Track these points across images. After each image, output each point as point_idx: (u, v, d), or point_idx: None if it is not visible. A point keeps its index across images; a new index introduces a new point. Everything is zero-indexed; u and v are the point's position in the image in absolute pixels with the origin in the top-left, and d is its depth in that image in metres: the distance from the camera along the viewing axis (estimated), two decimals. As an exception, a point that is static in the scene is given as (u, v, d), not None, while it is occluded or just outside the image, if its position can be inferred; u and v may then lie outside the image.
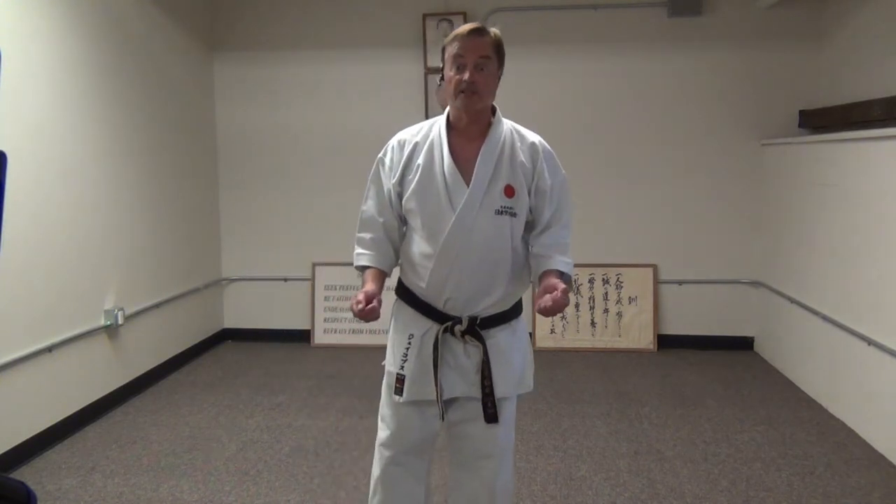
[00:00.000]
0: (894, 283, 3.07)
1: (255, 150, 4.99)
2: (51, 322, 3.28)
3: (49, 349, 3.24)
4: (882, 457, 3.11)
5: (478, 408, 1.91)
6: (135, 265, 3.99)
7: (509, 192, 1.86)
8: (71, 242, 3.43)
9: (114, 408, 3.74)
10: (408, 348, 1.93)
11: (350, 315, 4.99)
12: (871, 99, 3.65)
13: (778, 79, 4.55)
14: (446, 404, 1.94)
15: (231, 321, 5.15)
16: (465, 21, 4.63)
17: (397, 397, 1.94)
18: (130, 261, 3.95)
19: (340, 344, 4.94)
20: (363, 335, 4.93)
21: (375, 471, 2.02)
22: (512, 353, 1.96)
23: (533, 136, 1.96)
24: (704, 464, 3.05)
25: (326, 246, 4.99)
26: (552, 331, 4.84)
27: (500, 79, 1.88)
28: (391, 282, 2.03)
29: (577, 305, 4.84)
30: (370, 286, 1.87)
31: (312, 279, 5.03)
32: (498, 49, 1.85)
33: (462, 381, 1.92)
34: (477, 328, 1.89)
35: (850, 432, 3.37)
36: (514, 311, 2.00)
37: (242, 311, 5.13)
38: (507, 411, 1.97)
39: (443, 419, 1.94)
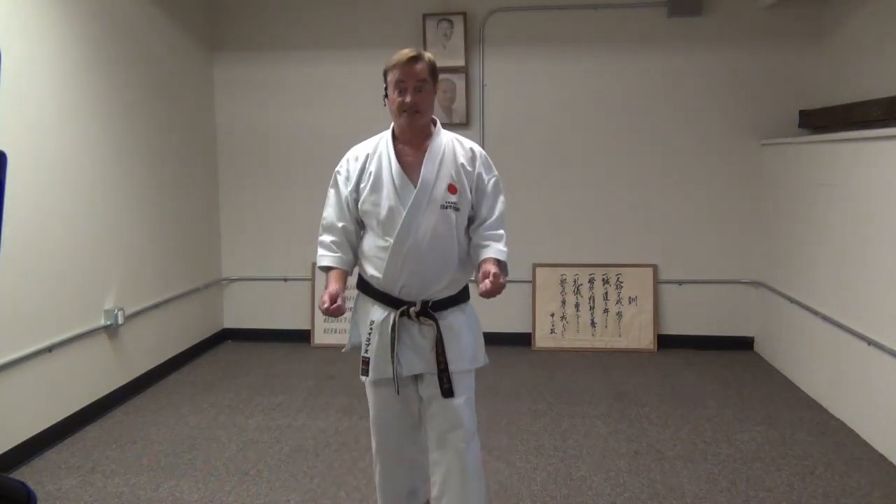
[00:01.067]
0: (894, 283, 3.07)
1: (255, 150, 4.99)
2: (51, 322, 3.28)
3: (49, 349, 3.24)
4: (882, 457, 3.11)
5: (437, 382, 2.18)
6: (135, 265, 3.99)
7: (452, 189, 2.15)
8: (71, 242, 3.43)
9: (114, 408, 3.74)
10: (370, 333, 2.21)
11: (350, 315, 5.01)
12: (871, 99, 3.65)
13: (778, 79, 4.55)
14: (413, 381, 2.24)
15: (231, 321, 5.15)
16: (465, 21, 4.64)
17: (363, 377, 2.26)
18: (130, 261, 3.95)
19: (340, 344, 4.87)
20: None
21: (373, 444, 2.36)
22: (462, 332, 2.22)
23: (471, 143, 2.26)
24: (704, 464, 3.05)
25: (326, 246, 4.99)
26: (552, 331, 4.84)
27: (434, 94, 2.20)
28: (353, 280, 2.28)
29: (576, 305, 4.84)
30: (333, 286, 2.16)
31: (312, 279, 5.03)
32: (432, 72, 2.15)
33: (419, 359, 2.19)
34: (430, 310, 2.16)
35: (850, 432, 3.37)
36: (463, 296, 2.27)
37: (242, 311, 5.13)
38: (466, 385, 2.23)
39: (397, 392, 2.22)
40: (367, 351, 2.23)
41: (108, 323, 3.68)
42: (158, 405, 3.81)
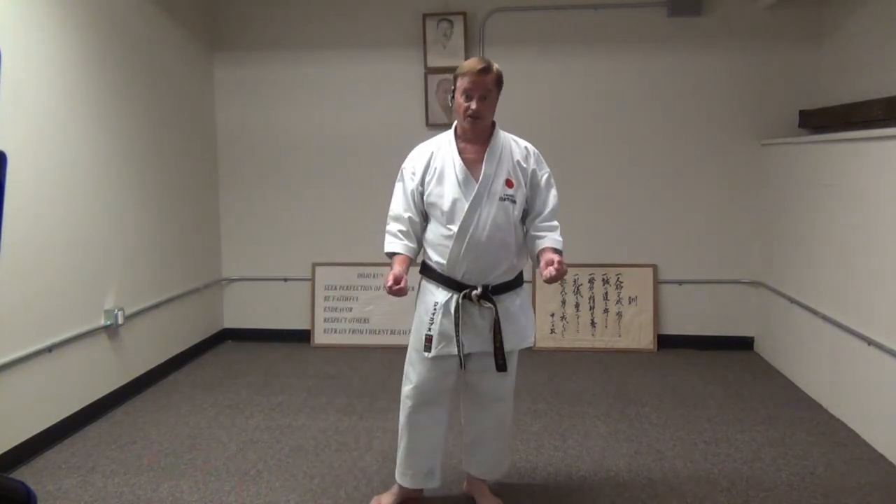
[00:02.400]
0: (894, 283, 3.07)
1: (255, 150, 4.99)
2: (51, 322, 3.28)
3: (49, 349, 3.24)
4: (882, 457, 3.11)
5: (491, 361, 2.42)
6: (135, 265, 3.99)
7: (510, 184, 2.39)
8: (71, 242, 3.43)
9: (114, 408, 3.74)
10: (433, 314, 2.42)
11: (350, 315, 5.05)
12: (871, 99, 3.65)
13: (778, 79, 4.55)
14: (466, 358, 2.44)
15: (231, 321, 5.15)
16: (465, 21, 4.64)
17: (426, 354, 2.43)
18: (130, 261, 3.95)
19: (340, 344, 4.94)
20: (363, 335, 4.93)
21: (402, 418, 2.57)
22: (518, 315, 2.48)
23: (525, 142, 2.51)
24: (704, 464, 3.05)
25: (326, 246, 4.99)
26: (552, 331, 4.84)
27: (497, 101, 2.40)
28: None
29: (576, 305, 4.84)
30: (398, 268, 2.35)
31: (312, 279, 5.03)
32: (498, 82, 2.36)
33: (478, 338, 2.42)
34: (489, 294, 2.38)
35: (850, 432, 3.37)
36: (518, 281, 2.51)
37: (242, 311, 5.13)
38: (513, 363, 2.54)
39: (462, 367, 2.44)
40: (430, 329, 2.42)
41: (108, 323, 3.68)
42: (158, 405, 3.81)
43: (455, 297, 2.39)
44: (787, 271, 4.27)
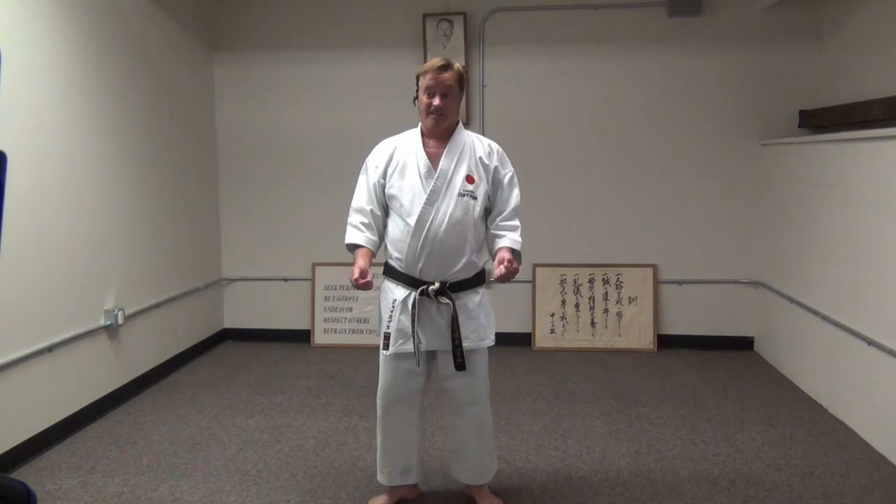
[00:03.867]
0: (894, 283, 3.07)
1: (255, 150, 4.99)
2: (51, 322, 3.28)
3: (49, 349, 3.24)
4: (882, 457, 3.11)
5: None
6: (135, 265, 3.99)
7: (470, 179, 2.40)
8: (71, 242, 3.43)
9: (114, 408, 3.74)
10: (392, 311, 2.44)
11: (350, 315, 5.04)
12: (871, 99, 3.65)
13: (778, 79, 4.55)
14: (428, 356, 2.50)
15: (231, 321, 5.15)
16: (465, 21, 4.64)
17: (384, 351, 2.46)
18: (130, 261, 3.95)
19: (340, 344, 4.94)
20: (363, 335, 4.93)
21: (378, 415, 2.59)
22: (477, 313, 2.47)
23: (489, 141, 2.53)
24: (704, 464, 3.05)
25: (326, 246, 4.99)
26: (552, 331, 4.84)
27: (461, 99, 2.45)
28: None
29: (576, 305, 4.84)
30: (361, 262, 2.36)
31: (312, 279, 5.03)
32: (460, 80, 2.41)
33: (436, 336, 2.43)
34: (447, 290, 2.39)
35: (850, 432, 3.37)
36: (478, 280, 2.50)
37: (242, 311, 5.13)
38: (479, 362, 2.52)
39: (418, 364, 2.45)
40: (388, 327, 2.44)
41: (108, 323, 3.68)
42: (158, 405, 3.82)
43: (413, 293, 2.40)
44: (787, 271, 4.27)
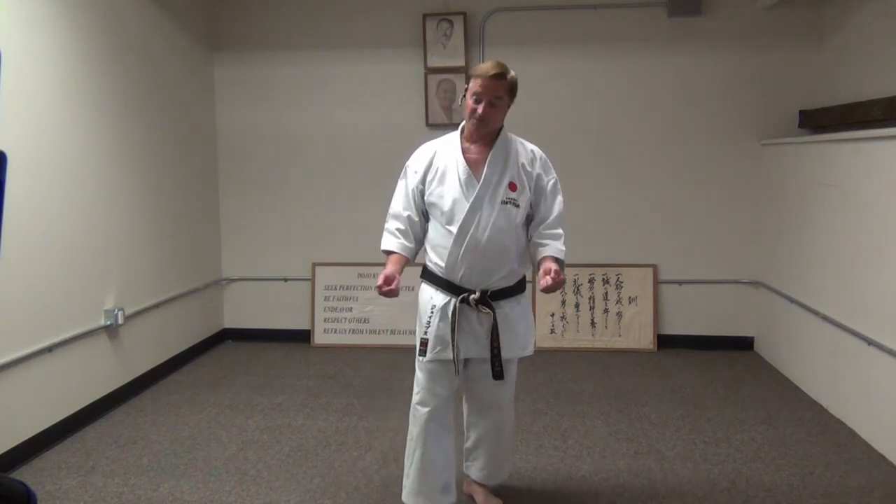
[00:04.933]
0: (894, 282, 3.07)
1: (254, 151, 4.99)
2: (51, 322, 3.28)
3: (49, 349, 3.24)
4: (882, 457, 3.11)
5: (489, 368, 2.36)
6: (135, 265, 3.99)
7: (513, 187, 2.31)
8: (71, 242, 3.43)
9: (114, 408, 3.74)
10: (430, 317, 2.36)
11: (350, 315, 5.04)
12: (871, 99, 3.65)
13: (778, 79, 4.55)
14: (463, 363, 2.40)
15: (231, 321, 5.15)
16: (465, 21, 4.63)
17: (421, 358, 2.38)
18: (130, 261, 3.95)
19: (340, 344, 4.94)
20: (363, 335, 4.93)
21: (414, 430, 2.47)
22: (517, 322, 2.42)
23: (533, 146, 2.44)
24: (704, 464, 3.05)
25: (326, 246, 4.99)
26: (552, 331, 4.84)
27: (507, 108, 2.34)
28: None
29: (576, 305, 4.84)
30: (390, 268, 2.31)
31: (312, 279, 5.03)
32: (511, 90, 2.30)
33: (475, 344, 2.36)
34: (488, 299, 2.32)
35: (850, 432, 3.37)
36: (520, 287, 2.45)
37: (242, 311, 5.13)
38: (511, 371, 2.49)
39: (457, 373, 2.38)
40: (426, 333, 2.36)
41: (108, 323, 3.68)
42: (158, 405, 3.81)
43: (453, 300, 2.33)
44: (787, 271, 4.27)
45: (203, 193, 4.87)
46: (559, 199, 2.41)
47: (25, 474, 2.97)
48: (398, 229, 2.41)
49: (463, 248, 2.28)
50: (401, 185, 2.44)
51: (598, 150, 4.75)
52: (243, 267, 5.11)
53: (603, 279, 4.83)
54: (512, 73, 2.30)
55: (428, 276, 2.43)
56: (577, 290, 4.84)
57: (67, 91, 3.41)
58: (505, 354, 2.36)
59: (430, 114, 4.74)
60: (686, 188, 4.72)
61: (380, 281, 2.23)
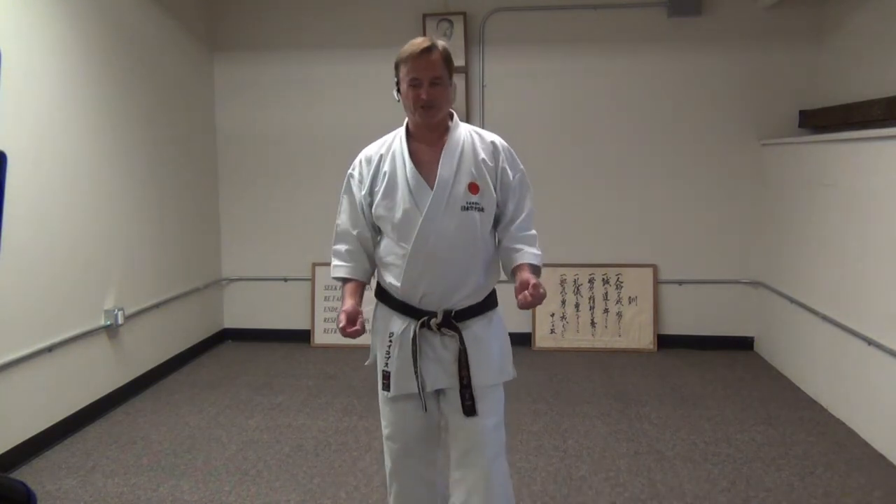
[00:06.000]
0: (894, 283, 3.07)
1: (255, 150, 4.99)
2: (51, 322, 3.28)
3: (49, 349, 3.24)
4: (882, 457, 3.11)
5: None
6: (135, 265, 3.99)
7: (474, 189, 1.95)
8: (71, 242, 3.43)
9: (114, 408, 3.74)
10: (389, 346, 2.04)
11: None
12: (871, 99, 3.65)
13: (778, 79, 4.55)
14: (435, 395, 2.05)
15: (231, 321, 5.15)
16: (465, 21, 4.63)
17: (385, 392, 2.06)
18: (130, 261, 3.95)
19: (340, 344, 4.94)
20: (363, 335, 4.92)
21: (388, 463, 2.13)
22: (489, 343, 2.04)
23: (492, 136, 2.06)
24: (704, 464, 3.05)
25: (326, 246, 4.90)
26: (552, 331, 4.84)
27: (451, 87, 1.98)
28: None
29: (576, 305, 4.84)
30: (349, 302, 1.99)
31: (312, 279, 5.03)
32: (448, 63, 1.95)
33: (443, 373, 2.00)
34: (452, 320, 1.97)
35: (850, 432, 3.37)
36: (490, 303, 2.07)
37: (242, 311, 5.13)
38: (492, 400, 2.04)
39: (425, 410, 2.02)
40: (387, 364, 2.05)
41: (108, 323, 3.68)
42: (158, 405, 3.81)
43: (413, 325, 1.99)
44: (787, 271, 4.27)
45: (203, 193, 4.87)
46: (529, 194, 2.08)
47: (25, 474, 2.97)
48: (348, 251, 2.07)
49: (421, 267, 1.93)
50: (344, 199, 2.11)
51: (598, 149, 4.75)
52: (243, 267, 5.11)
53: (603, 279, 4.83)
54: (441, 42, 1.96)
55: (383, 296, 2.08)
56: (577, 290, 4.84)
57: (67, 91, 3.42)
58: (478, 381, 1.99)
59: (430, 114, 4.74)
60: (686, 188, 4.72)
61: (341, 321, 1.92)
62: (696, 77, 4.63)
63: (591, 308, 4.83)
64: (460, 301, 1.99)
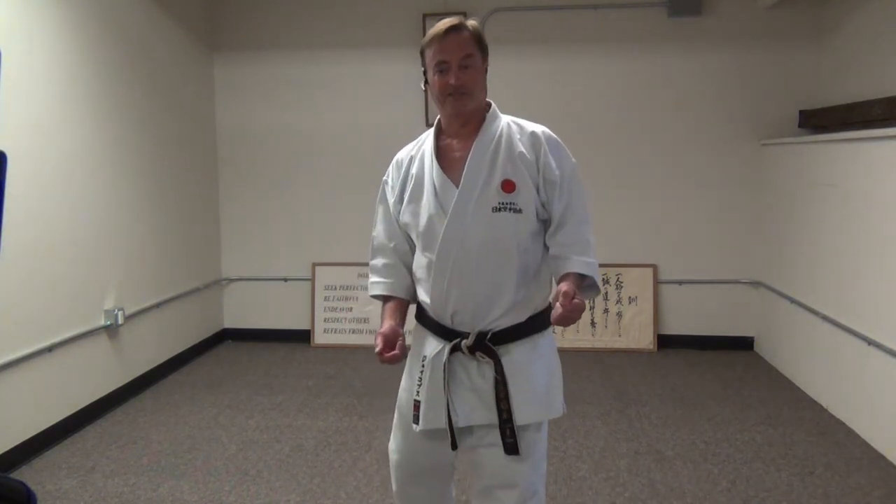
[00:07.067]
0: (894, 283, 3.07)
1: (255, 150, 4.99)
2: (51, 322, 3.28)
3: (49, 349, 3.24)
4: (882, 457, 3.11)
5: (497, 433, 1.69)
6: (135, 265, 3.99)
7: (508, 186, 1.67)
8: (71, 242, 3.43)
9: (114, 408, 3.74)
10: (422, 371, 1.76)
11: (350, 315, 5.03)
12: (871, 99, 3.65)
13: (778, 79, 4.55)
14: (462, 431, 1.74)
15: (231, 321, 5.15)
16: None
17: (415, 426, 1.76)
18: (130, 261, 3.95)
19: (340, 344, 4.94)
20: (363, 335, 4.93)
21: (394, 485, 1.91)
22: (532, 371, 1.73)
23: (534, 126, 1.79)
24: (704, 464, 3.05)
25: (326, 246, 4.99)
26: (552, 331, 4.83)
27: (486, 71, 1.76)
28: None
29: (577, 305, 4.84)
30: (388, 324, 1.72)
31: (312, 279, 5.03)
32: (479, 42, 1.71)
33: (481, 406, 1.71)
34: (488, 343, 1.69)
35: (850, 432, 3.37)
36: (535, 324, 1.76)
37: (242, 311, 5.13)
38: (533, 440, 1.72)
39: (454, 447, 1.74)
40: (418, 393, 1.76)
41: (108, 323, 3.68)
42: (158, 405, 3.82)
43: (446, 348, 1.72)
44: (787, 271, 4.27)
45: (203, 193, 4.87)
46: (581, 193, 1.76)
47: (25, 474, 2.97)
48: (385, 265, 1.83)
49: (447, 280, 1.68)
50: (379, 209, 1.87)
51: (598, 149, 4.75)
52: (243, 267, 5.11)
53: (603, 279, 4.83)
54: (471, 21, 1.71)
55: (420, 315, 1.83)
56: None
57: (67, 91, 3.42)
58: (520, 419, 1.68)
59: (430, 114, 4.74)
60: (686, 188, 4.72)
61: (378, 345, 1.63)
62: (696, 77, 4.63)
63: (591, 308, 4.83)
64: (496, 321, 1.70)
